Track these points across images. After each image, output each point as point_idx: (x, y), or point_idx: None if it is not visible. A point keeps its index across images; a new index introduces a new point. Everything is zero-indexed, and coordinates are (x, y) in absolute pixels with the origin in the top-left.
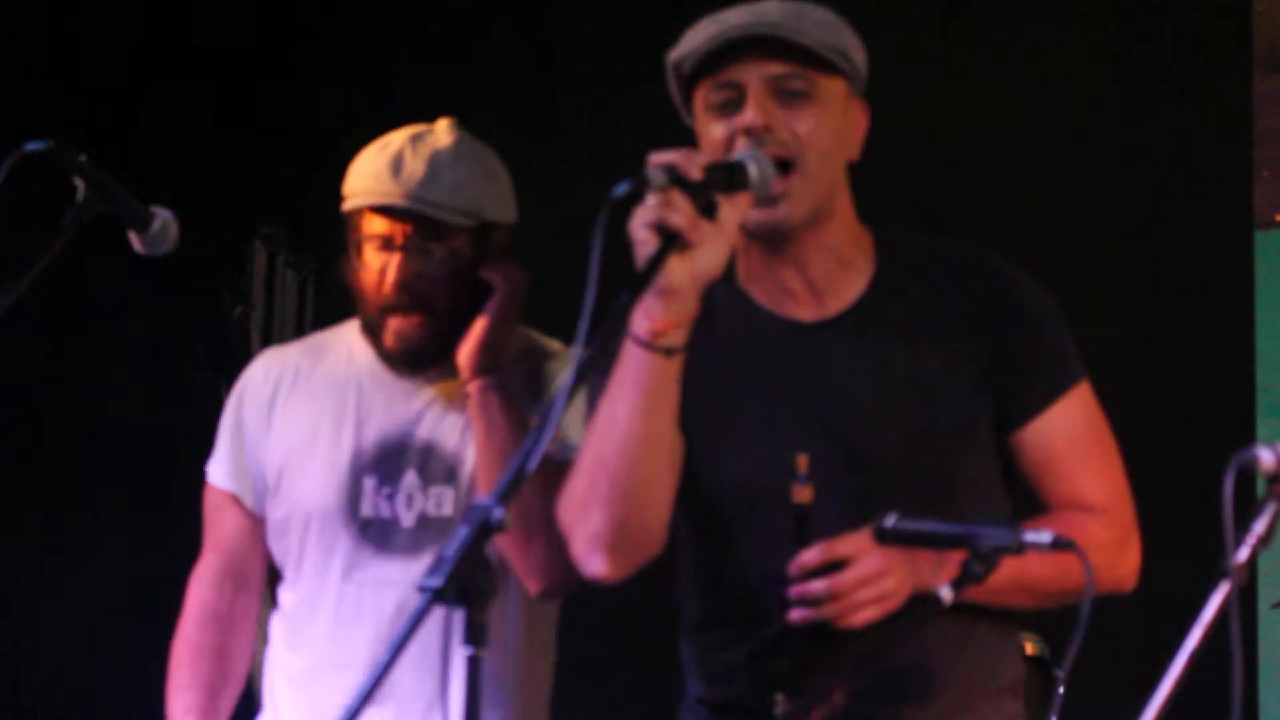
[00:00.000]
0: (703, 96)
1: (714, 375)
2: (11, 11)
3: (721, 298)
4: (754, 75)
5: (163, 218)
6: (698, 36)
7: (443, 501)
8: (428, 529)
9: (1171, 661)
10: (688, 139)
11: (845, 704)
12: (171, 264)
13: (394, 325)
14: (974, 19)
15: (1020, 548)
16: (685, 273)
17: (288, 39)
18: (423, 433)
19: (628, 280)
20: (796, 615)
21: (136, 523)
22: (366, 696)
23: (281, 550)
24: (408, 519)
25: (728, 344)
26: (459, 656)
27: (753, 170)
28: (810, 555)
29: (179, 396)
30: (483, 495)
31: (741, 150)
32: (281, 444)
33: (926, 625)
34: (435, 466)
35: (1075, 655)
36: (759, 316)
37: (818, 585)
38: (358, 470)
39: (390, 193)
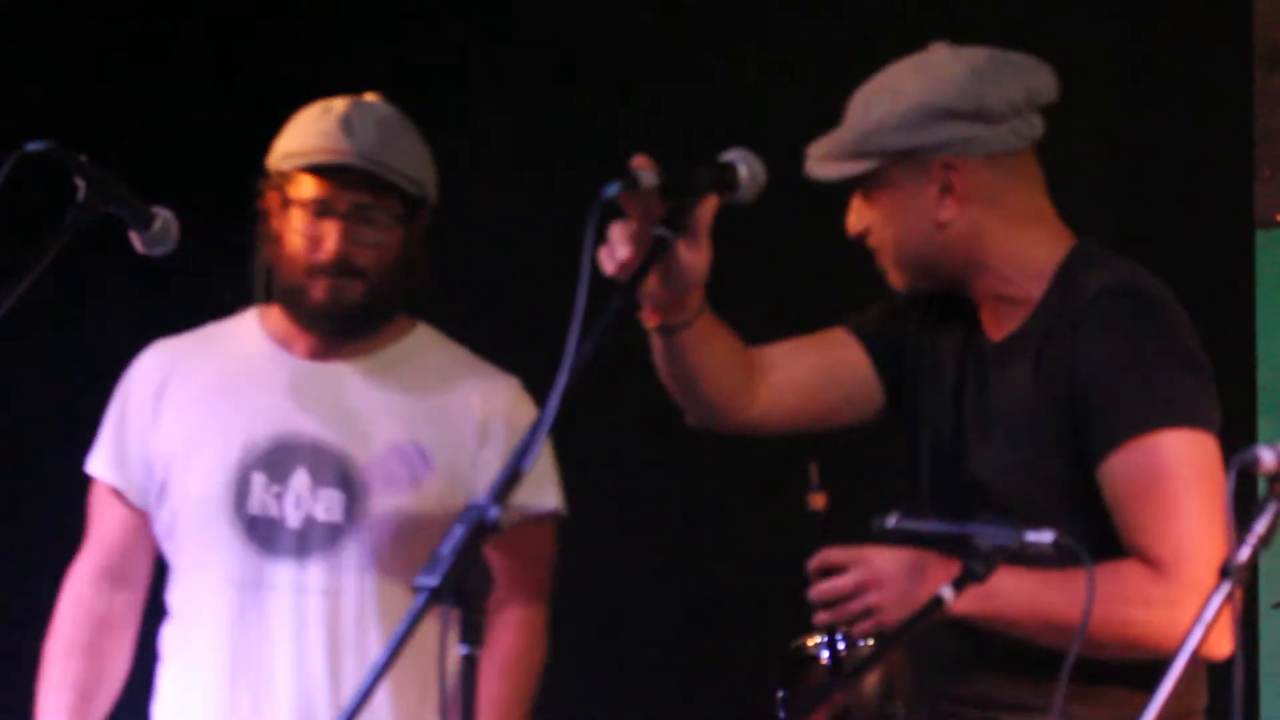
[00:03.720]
0: None
1: (932, 376)
2: (11, 11)
3: (957, 330)
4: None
5: (163, 217)
6: None
7: (332, 505)
8: (313, 534)
9: (1172, 661)
10: (684, 137)
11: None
12: (172, 264)
13: (327, 283)
14: (975, 19)
15: (1020, 547)
16: (666, 283)
17: (288, 39)
18: (315, 429)
19: (620, 280)
20: (816, 618)
21: None
22: (364, 698)
23: (170, 550)
24: (294, 520)
25: (936, 353)
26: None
27: (743, 170)
28: (813, 560)
29: None
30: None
31: (733, 151)
32: (170, 437)
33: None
34: (326, 467)
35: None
36: (960, 332)
37: (811, 590)
38: (247, 465)
39: (343, 151)
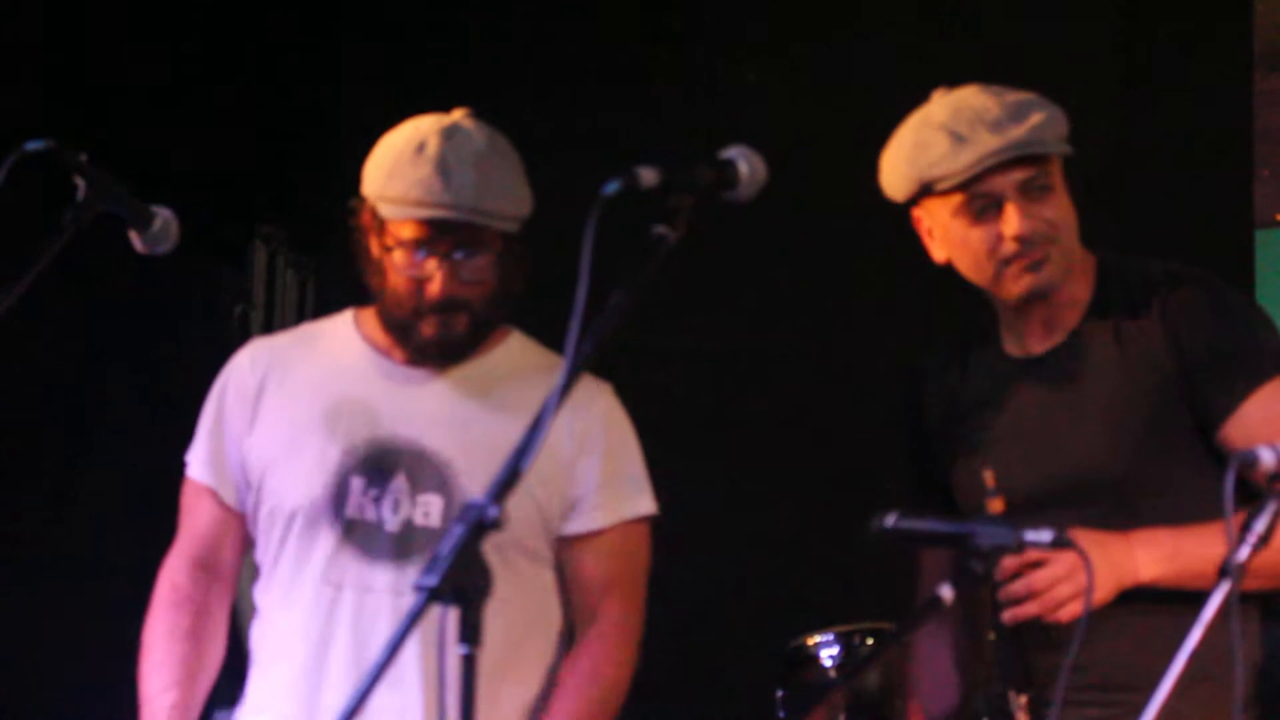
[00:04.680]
0: (954, 205)
1: (952, 401)
2: (11, 11)
3: (980, 352)
4: (1009, 185)
5: (163, 217)
6: (954, 160)
7: (430, 510)
8: (412, 538)
9: (1171, 661)
10: (683, 136)
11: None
12: (171, 264)
13: (436, 320)
14: (974, 19)
15: (1019, 546)
16: None
17: (288, 38)
18: (415, 434)
19: (619, 279)
20: (1005, 616)
21: (136, 524)
22: (364, 696)
23: (265, 549)
24: (392, 524)
25: (966, 384)
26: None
27: (743, 167)
28: (1009, 559)
29: (179, 397)
30: None
31: (732, 148)
32: (268, 441)
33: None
34: (425, 472)
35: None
36: (994, 356)
37: (1017, 586)
38: (346, 469)
39: (444, 204)
